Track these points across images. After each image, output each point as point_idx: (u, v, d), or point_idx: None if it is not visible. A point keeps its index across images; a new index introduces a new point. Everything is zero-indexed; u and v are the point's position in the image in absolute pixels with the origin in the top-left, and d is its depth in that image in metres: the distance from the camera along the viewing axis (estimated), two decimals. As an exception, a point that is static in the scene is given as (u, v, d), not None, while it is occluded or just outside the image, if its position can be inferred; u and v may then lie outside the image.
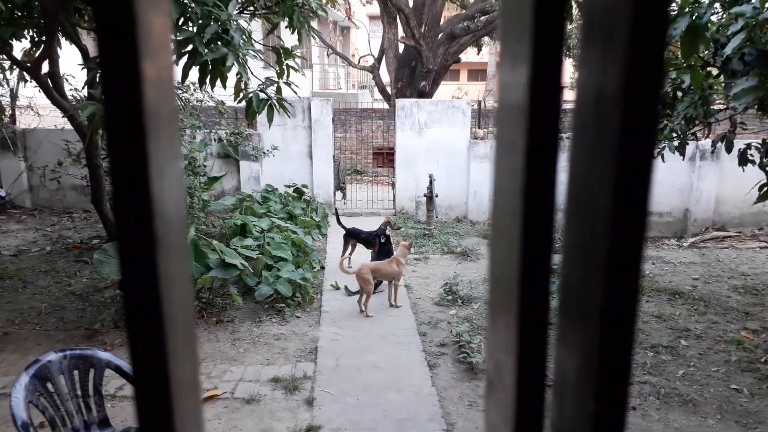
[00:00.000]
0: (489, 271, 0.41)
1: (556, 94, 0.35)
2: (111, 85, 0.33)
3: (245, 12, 5.23)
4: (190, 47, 4.28)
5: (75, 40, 6.08)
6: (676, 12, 3.70)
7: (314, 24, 6.83)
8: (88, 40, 6.93)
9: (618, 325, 0.37)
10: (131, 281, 0.36)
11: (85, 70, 5.68)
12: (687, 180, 9.68)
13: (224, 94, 6.24)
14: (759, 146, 5.50)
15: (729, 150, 5.47)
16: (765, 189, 5.21)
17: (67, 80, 7.45)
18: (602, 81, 0.35)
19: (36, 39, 6.64)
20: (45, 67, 6.61)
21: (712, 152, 9.07)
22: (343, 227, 7.63)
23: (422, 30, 14.22)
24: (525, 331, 0.38)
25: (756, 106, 4.51)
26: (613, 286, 0.37)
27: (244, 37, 4.58)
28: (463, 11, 15.22)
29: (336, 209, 8.90)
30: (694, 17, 3.56)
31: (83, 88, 6.49)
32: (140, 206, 0.34)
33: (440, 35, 14.71)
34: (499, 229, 0.39)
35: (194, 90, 8.06)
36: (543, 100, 0.35)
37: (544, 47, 0.34)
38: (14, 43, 6.36)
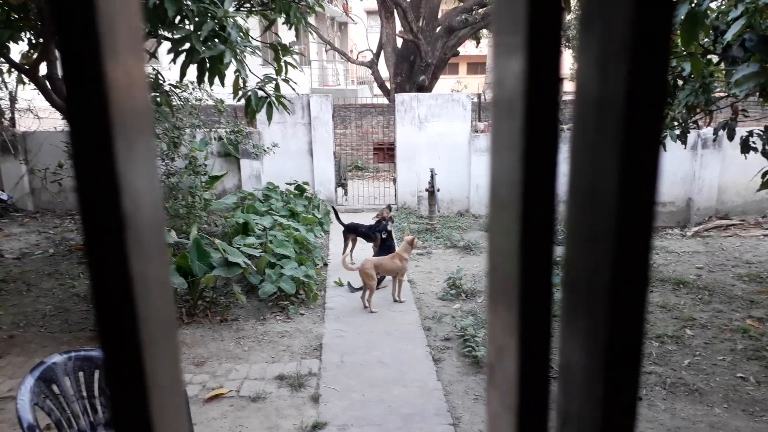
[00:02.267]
0: (488, 262, 0.40)
1: (554, 85, 0.34)
2: (73, 88, 0.32)
3: (242, 9, 5.21)
4: (187, 45, 4.27)
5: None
6: (675, -1, 3.67)
7: (311, 20, 6.80)
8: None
9: (627, 316, 0.36)
10: (102, 289, 0.35)
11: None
12: (689, 169, 9.65)
13: (223, 92, 6.22)
14: (761, 133, 5.48)
15: (731, 138, 5.45)
16: (767, 176, 5.18)
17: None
18: (604, 71, 0.34)
19: (33, 41, 6.62)
20: (43, 69, 6.59)
21: (714, 140, 9.04)
22: (342, 223, 7.63)
23: (420, 24, 14.17)
24: (527, 318, 0.37)
25: (757, 93, 4.48)
26: (621, 277, 0.36)
27: (242, 33, 4.56)
28: (461, 4, 15.15)
29: (333, 207, 8.90)
30: (693, 4, 3.53)
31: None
32: (108, 211, 0.33)
33: (438, 29, 14.66)
34: (497, 220, 0.38)
35: (193, 89, 8.04)
36: (540, 91, 0.34)
37: (541, 37, 0.33)
38: (12, 45, 6.35)
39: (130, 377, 0.36)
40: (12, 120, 10.39)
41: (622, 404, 0.37)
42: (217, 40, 4.32)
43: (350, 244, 7.43)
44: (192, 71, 4.48)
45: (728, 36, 3.98)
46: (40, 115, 9.95)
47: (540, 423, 0.38)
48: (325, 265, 7.47)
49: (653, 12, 0.33)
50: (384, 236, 7.06)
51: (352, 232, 7.48)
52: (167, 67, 5.20)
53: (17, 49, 6.92)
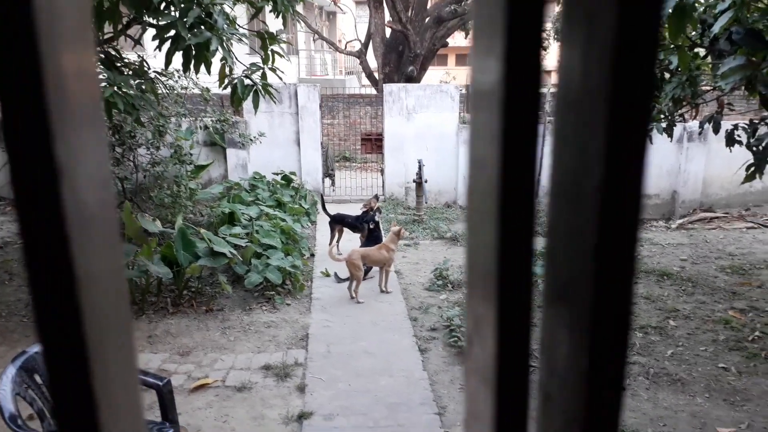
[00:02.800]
0: (467, 254, 0.39)
1: (535, 77, 0.33)
2: (6, 78, 0.31)
3: (229, -4, 5.14)
4: (172, 32, 4.20)
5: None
6: (663, -8, 3.68)
7: (299, 9, 6.73)
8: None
9: (612, 308, 0.36)
10: (39, 284, 0.33)
11: None
12: (675, 162, 9.73)
13: (209, 80, 6.15)
14: (746, 127, 5.52)
15: (716, 131, 5.49)
16: (752, 169, 5.23)
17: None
18: (587, 61, 0.33)
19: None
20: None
21: (700, 133, 9.12)
22: (328, 213, 7.61)
23: (409, 14, 14.11)
24: (505, 308, 0.36)
25: (743, 86, 4.51)
26: (605, 271, 0.35)
27: (228, 21, 4.50)
28: (450, -5, 15.09)
29: (321, 195, 8.87)
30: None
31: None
32: (47, 202, 0.32)
33: (427, 19, 14.61)
34: (476, 212, 0.37)
35: (179, 77, 7.95)
36: (520, 84, 0.33)
37: (521, 30, 0.32)
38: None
39: (72, 378, 0.34)
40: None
41: (608, 376, 0.37)
42: (203, 27, 4.26)
43: (337, 235, 7.41)
44: (178, 59, 4.42)
45: (715, 29, 3.99)
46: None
47: (519, 398, 0.37)
48: (312, 255, 7.45)
49: (641, 4, 0.32)
50: (371, 227, 7.05)
51: (338, 222, 7.47)
52: (152, 54, 5.13)
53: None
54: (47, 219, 0.32)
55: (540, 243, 0.37)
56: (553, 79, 0.35)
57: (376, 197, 7.90)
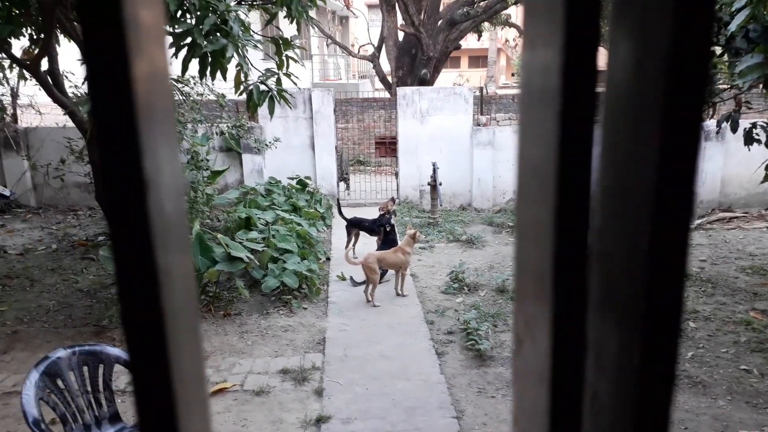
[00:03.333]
0: (517, 251, 0.39)
1: (591, 77, 0.33)
2: (98, 84, 0.32)
3: (243, 3, 5.19)
4: (188, 39, 4.25)
5: (73, 36, 6.05)
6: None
7: (312, 14, 6.78)
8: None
9: (663, 314, 0.36)
10: (128, 284, 0.34)
11: (84, 66, 5.66)
12: (692, 161, 9.60)
13: (225, 87, 6.21)
14: (765, 125, 5.46)
15: (734, 130, 5.43)
16: (772, 168, 5.16)
17: (66, 77, 7.42)
18: (639, 65, 0.33)
19: (34, 36, 6.61)
20: (44, 65, 6.59)
21: (717, 132, 9.01)
22: (344, 218, 7.63)
23: (422, 17, 14.11)
24: (560, 310, 0.36)
25: (761, 84, 4.46)
26: (658, 273, 0.35)
27: (243, 28, 4.54)
28: (463, -3, 15.08)
29: (338, 199, 8.89)
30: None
31: (83, 84, 6.47)
32: (135, 205, 0.33)
33: (440, 22, 14.61)
34: (528, 218, 0.37)
35: (194, 83, 8.03)
36: (577, 83, 0.33)
37: (579, 25, 0.32)
38: (13, 41, 6.34)
39: (156, 374, 0.36)
40: (14, 116, 10.39)
41: (660, 371, 0.36)
42: (218, 34, 4.30)
43: (353, 239, 7.43)
44: (194, 66, 4.47)
45: (732, 27, 3.96)
46: (41, 111, 9.93)
47: (574, 396, 0.37)
48: (328, 259, 7.47)
49: (695, 5, 0.32)
50: (387, 230, 7.06)
51: (355, 226, 7.48)
52: (169, 61, 5.19)
53: (18, 45, 6.91)
54: (136, 229, 0.33)
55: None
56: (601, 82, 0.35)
57: (393, 200, 7.91)
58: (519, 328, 0.40)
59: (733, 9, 3.96)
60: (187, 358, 0.38)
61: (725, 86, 6.22)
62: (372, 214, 8.04)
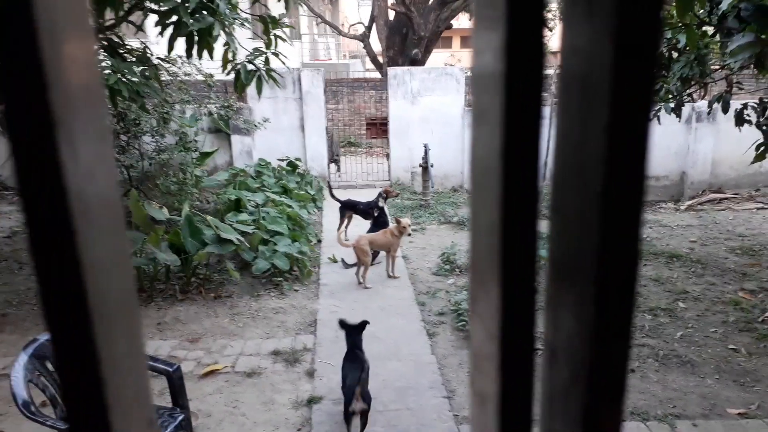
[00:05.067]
0: (471, 234, 0.39)
1: (537, 59, 0.33)
2: (7, 73, 0.31)
3: (231, -20, 5.09)
4: (174, 18, 4.17)
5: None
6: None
7: (302, -8, 6.66)
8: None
9: (617, 291, 0.36)
10: (46, 271, 0.33)
11: None
12: (683, 142, 9.63)
13: (212, 67, 6.11)
14: (755, 106, 5.45)
15: (725, 110, 5.43)
16: (762, 148, 5.17)
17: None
18: (590, 39, 0.33)
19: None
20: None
21: (708, 113, 9.02)
22: (338, 200, 7.58)
23: (413, -4, 13.95)
24: (510, 296, 0.36)
25: (752, 64, 4.44)
26: (610, 252, 0.35)
27: (230, 5, 4.46)
28: (454, -24, 14.91)
29: (329, 182, 8.84)
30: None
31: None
32: (50, 194, 0.32)
33: (431, 1, 14.44)
34: (479, 193, 0.37)
35: (182, 63, 7.91)
36: (522, 66, 0.33)
37: (522, 9, 0.32)
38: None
39: (80, 364, 0.34)
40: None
41: (614, 327, 0.36)
42: (205, 12, 4.22)
43: (346, 221, 7.39)
44: (180, 44, 4.39)
45: (723, 6, 3.92)
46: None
47: (525, 352, 0.37)
48: (319, 241, 7.45)
49: None
50: (376, 214, 7.03)
51: (349, 208, 7.43)
52: (155, 41, 5.09)
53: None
54: (51, 208, 0.32)
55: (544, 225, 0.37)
56: (558, 60, 0.35)
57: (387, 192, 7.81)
58: (471, 308, 0.40)
59: (726, -12, 3.92)
60: (124, 347, 0.37)
61: (717, 67, 6.20)
62: (363, 196, 8.01)
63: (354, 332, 3.86)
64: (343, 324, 3.90)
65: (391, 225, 6.35)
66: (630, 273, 0.35)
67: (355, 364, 3.66)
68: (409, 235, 6.38)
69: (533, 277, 0.36)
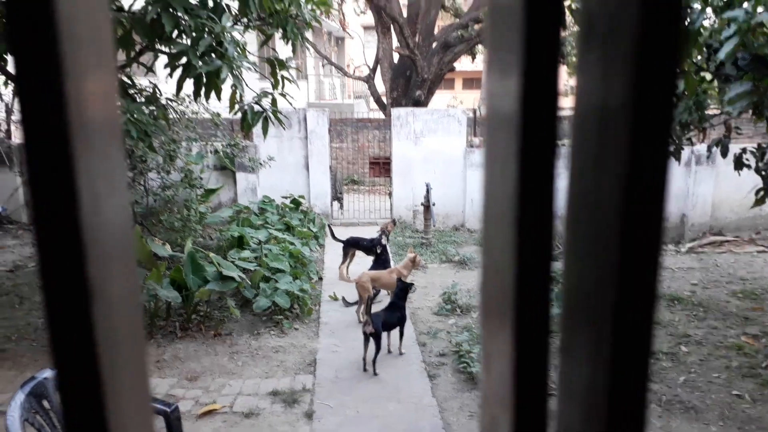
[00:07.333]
0: (481, 276, 0.39)
1: (551, 104, 0.33)
2: (29, 103, 0.32)
3: (239, 24, 5.24)
4: (184, 60, 4.28)
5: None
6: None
7: (308, 35, 6.84)
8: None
9: (634, 333, 0.36)
10: (55, 303, 0.33)
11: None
12: (683, 185, 9.69)
13: (219, 105, 6.23)
14: (754, 150, 5.51)
15: (724, 155, 5.48)
16: (761, 193, 5.21)
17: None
18: (605, 87, 0.34)
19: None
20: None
21: (708, 157, 9.09)
22: (339, 240, 7.54)
23: (416, 39, 14.26)
24: (523, 332, 0.36)
25: (750, 111, 4.52)
26: (626, 296, 0.35)
27: (239, 49, 4.57)
28: (457, 20, 15.27)
29: (329, 225, 8.81)
30: (686, 22, 3.57)
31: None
32: (64, 221, 0.32)
33: (435, 44, 14.76)
34: (492, 237, 0.38)
35: (189, 102, 8.05)
36: (537, 110, 0.33)
37: (538, 54, 0.32)
38: (9, 58, 6.35)
39: (85, 399, 0.34)
40: (8, 132, 10.38)
41: (632, 370, 0.36)
42: (214, 56, 4.33)
43: (349, 259, 7.37)
44: (189, 84, 4.49)
45: (721, 54, 4.01)
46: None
47: (539, 394, 0.37)
48: (320, 279, 7.44)
49: (660, 23, 0.32)
50: (378, 251, 7.04)
51: (353, 246, 7.42)
52: (164, 80, 5.21)
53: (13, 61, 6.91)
54: (66, 241, 0.32)
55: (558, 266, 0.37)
56: (569, 102, 0.35)
57: (394, 222, 7.87)
58: (485, 356, 0.40)
59: (722, 37, 4.02)
60: (129, 383, 0.37)
61: (716, 111, 6.30)
62: (366, 233, 8.03)
63: (404, 289, 5.34)
64: (399, 280, 5.44)
65: (400, 263, 6.34)
66: (648, 315, 0.35)
67: (392, 311, 5.19)
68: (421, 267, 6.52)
69: (548, 319, 0.36)
